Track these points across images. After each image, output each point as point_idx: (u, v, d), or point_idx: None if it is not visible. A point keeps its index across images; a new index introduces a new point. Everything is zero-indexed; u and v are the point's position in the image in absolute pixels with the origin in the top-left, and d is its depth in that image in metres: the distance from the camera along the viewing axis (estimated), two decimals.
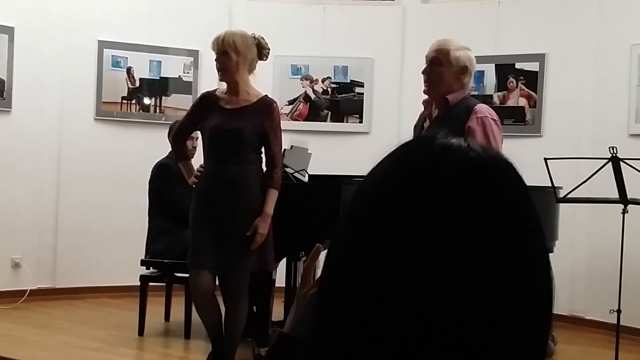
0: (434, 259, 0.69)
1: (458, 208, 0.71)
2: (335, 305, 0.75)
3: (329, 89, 7.42)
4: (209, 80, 4.49)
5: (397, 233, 0.71)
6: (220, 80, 4.32)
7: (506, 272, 0.71)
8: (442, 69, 3.66)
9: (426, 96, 3.79)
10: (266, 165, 4.32)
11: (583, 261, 6.28)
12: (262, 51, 4.35)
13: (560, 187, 4.91)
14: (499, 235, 0.71)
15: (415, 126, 3.92)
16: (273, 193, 4.25)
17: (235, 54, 4.20)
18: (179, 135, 4.50)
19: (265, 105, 4.26)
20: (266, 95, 4.34)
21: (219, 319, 4.37)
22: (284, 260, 5.14)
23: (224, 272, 4.32)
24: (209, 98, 4.35)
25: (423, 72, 3.76)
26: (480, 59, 6.47)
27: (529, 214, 0.74)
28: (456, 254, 0.69)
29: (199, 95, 4.61)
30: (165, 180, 5.49)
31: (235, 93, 4.26)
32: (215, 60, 4.25)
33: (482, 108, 3.65)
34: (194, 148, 5.33)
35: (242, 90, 4.25)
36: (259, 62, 4.44)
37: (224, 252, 4.19)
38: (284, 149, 5.12)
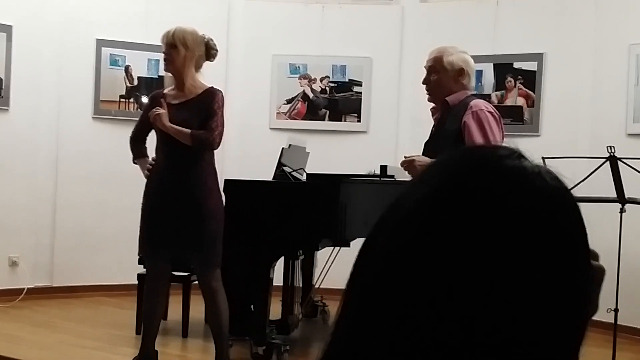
0: (492, 277, 0.70)
1: (525, 232, 0.72)
2: (371, 312, 0.74)
3: (327, 88, 7.42)
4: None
5: (457, 247, 0.71)
6: (165, 70, 4.42)
7: (557, 295, 0.73)
8: (438, 75, 3.81)
9: (432, 104, 3.95)
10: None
11: None
12: (210, 51, 4.44)
13: None
14: (556, 265, 0.73)
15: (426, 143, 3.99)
16: (185, 130, 4.19)
17: (183, 48, 4.30)
18: (135, 136, 4.57)
19: (209, 94, 4.34)
20: (212, 87, 4.40)
21: (159, 319, 4.50)
22: (282, 259, 5.14)
23: (194, 268, 4.45)
24: (157, 97, 4.44)
25: (423, 82, 3.92)
26: (478, 59, 6.51)
27: (584, 246, 0.78)
28: (513, 275, 0.71)
29: (149, 96, 4.67)
30: None
31: (181, 88, 4.36)
32: (163, 52, 4.34)
33: (478, 102, 3.73)
34: None
35: (188, 84, 4.34)
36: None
37: (180, 248, 4.28)
38: (282, 148, 5.12)
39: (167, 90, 4.44)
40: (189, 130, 4.22)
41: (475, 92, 3.98)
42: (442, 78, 3.80)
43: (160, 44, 7.07)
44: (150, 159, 4.46)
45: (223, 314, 4.35)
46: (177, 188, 4.23)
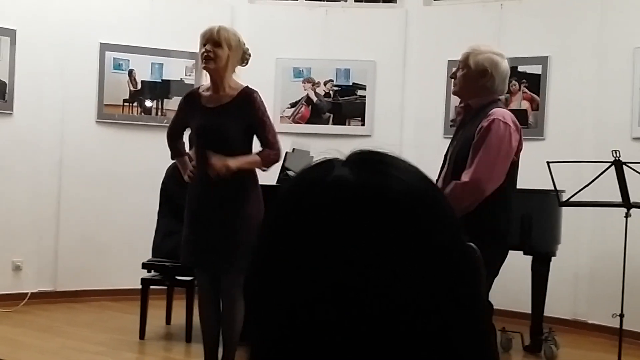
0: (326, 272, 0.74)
1: (346, 234, 0.74)
2: (256, 308, 0.81)
3: (331, 92, 7.41)
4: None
5: (291, 251, 0.76)
6: (205, 68, 4.25)
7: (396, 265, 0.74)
8: (462, 72, 3.74)
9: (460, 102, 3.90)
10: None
11: (586, 265, 6.26)
12: (244, 55, 4.32)
13: (563, 191, 4.89)
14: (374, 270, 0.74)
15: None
16: (254, 157, 4.19)
17: (227, 47, 4.19)
18: (172, 134, 4.48)
19: (246, 97, 4.22)
20: (247, 87, 4.28)
21: (215, 325, 4.35)
22: None
23: (218, 273, 4.30)
24: (192, 96, 4.35)
25: (451, 77, 3.93)
26: None
27: (411, 249, 0.75)
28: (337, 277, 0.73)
29: (184, 95, 4.57)
30: (177, 183, 5.46)
31: (217, 90, 4.23)
32: (205, 49, 4.17)
33: (498, 111, 3.61)
34: None
35: (225, 85, 4.22)
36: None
37: (219, 254, 4.18)
38: (286, 152, 5.11)
39: (201, 90, 4.31)
40: (258, 158, 4.18)
41: (500, 98, 3.84)
42: (464, 75, 3.72)
43: (164, 48, 7.11)
44: (190, 164, 4.38)
45: (237, 323, 4.26)
46: (217, 196, 4.15)
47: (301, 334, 0.75)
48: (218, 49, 4.17)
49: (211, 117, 4.19)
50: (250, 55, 4.36)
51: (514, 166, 3.65)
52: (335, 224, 0.75)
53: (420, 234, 0.75)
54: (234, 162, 4.10)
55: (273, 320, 0.78)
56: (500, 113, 3.60)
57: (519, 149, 3.64)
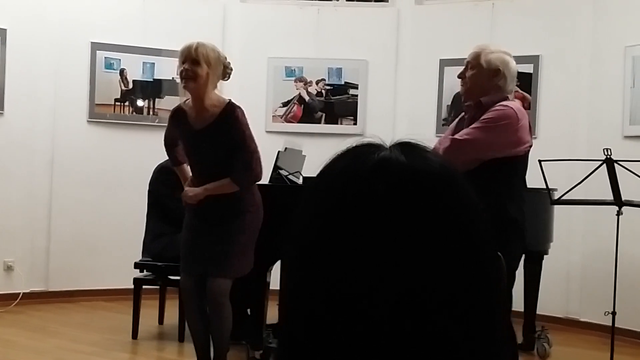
0: (365, 252, 0.77)
1: (388, 214, 0.78)
2: (300, 299, 0.81)
3: (323, 91, 7.41)
4: None
5: (338, 236, 0.79)
6: (185, 87, 4.18)
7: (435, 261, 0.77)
8: (473, 71, 3.73)
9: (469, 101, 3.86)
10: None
11: (578, 263, 6.28)
12: (225, 70, 4.28)
13: (555, 189, 4.90)
14: (422, 235, 0.77)
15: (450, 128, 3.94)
16: (225, 181, 4.17)
17: (206, 65, 4.13)
18: (167, 143, 4.48)
19: (230, 116, 4.17)
20: (229, 103, 4.22)
21: (203, 328, 4.32)
22: (278, 263, 5.12)
23: (210, 276, 4.28)
24: (178, 115, 4.29)
25: (458, 76, 3.86)
26: None
27: (449, 224, 0.79)
28: (381, 249, 0.76)
29: (170, 113, 4.52)
30: (164, 184, 5.46)
31: (200, 109, 4.19)
32: (184, 68, 4.13)
33: (512, 103, 3.69)
34: None
35: (207, 104, 4.18)
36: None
37: (210, 258, 4.18)
38: (278, 151, 5.10)
39: (186, 108, 4.26)
40: (228, 180, 4.15)
41: (509, 97, 3.84)
42: (476, 75, 3.72)
43: (156, 47, 7.08)
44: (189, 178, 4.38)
45: (226, 325, 4.25)
46: (215, 206, 4.17)
47: (355, 314, 0.76)
48: (197, 67, 4.12)
49: (199, 141, 4.19)
50: (232, 70, 4.33)
51: (520, 160, 3.69)
52: (387, 201, 0.78)
53: (463, 217, 0.80)
54: (204, 192, 4.19)
55: (324, 309, 0.78)
56: (505, 102, 3.66)
57: (526, 147, 3.69)
